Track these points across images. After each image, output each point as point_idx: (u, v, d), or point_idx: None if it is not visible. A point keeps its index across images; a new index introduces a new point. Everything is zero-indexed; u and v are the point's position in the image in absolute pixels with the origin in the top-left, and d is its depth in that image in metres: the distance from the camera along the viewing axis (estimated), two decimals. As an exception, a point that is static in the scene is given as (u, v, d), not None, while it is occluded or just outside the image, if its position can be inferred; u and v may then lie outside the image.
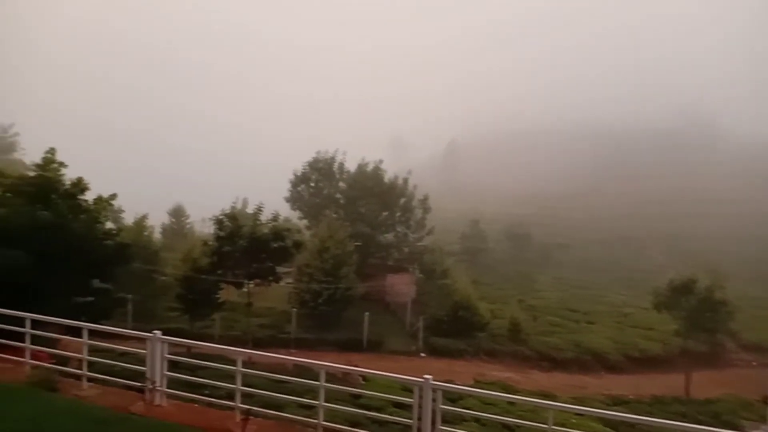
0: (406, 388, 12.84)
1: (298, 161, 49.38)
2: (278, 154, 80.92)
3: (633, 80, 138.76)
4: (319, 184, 48.74)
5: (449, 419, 10.49)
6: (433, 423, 8.06)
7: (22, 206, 17.95)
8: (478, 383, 25.54)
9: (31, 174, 19.83)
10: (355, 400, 16.31)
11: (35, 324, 10.70)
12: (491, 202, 78.79)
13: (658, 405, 25.99)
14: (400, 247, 45.38)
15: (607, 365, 33.34)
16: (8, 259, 16.59)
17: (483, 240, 58.07)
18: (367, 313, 32.97)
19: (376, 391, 11.50)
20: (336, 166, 48.69)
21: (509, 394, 18.62)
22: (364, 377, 20.79)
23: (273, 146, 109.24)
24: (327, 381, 8.86)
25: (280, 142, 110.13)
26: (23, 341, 10.54)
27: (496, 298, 43.32)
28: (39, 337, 11.05)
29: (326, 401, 8.80)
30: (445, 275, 39.95)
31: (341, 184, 48.27)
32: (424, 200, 46.07)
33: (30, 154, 44.08)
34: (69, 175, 20.15)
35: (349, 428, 8.95)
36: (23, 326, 10.45)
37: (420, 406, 8.12)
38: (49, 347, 11.72)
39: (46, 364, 10.65)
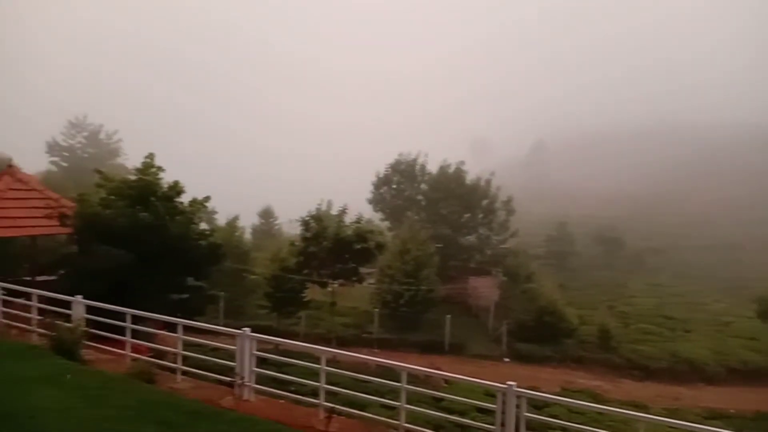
0: (490, 393, 12.61)
1: (380, 163, 49.91)
2: (361, 156, 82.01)
3: (726, 76, 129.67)
4: (400, 185, 48.94)
5: (534, 426, 10.20)
6: (517, 430, 7.86)
7: (125, 208, 19.12)
8: (564, 391, 24.70)
9: (132, 178, 21.11)
10: (437, 402, 16.23)
11: (135, 319, 11.41)
12: (579, 203, 75.98)
13: (763, 421, 24.04)
14: (482, 250, 44.68)
15: (705, 376, 31.24)
16: (113, 258, 17.78)
17: (570, 243, 56.10)
18: (448, 316, 32.73)
19: (458, 395, 11.33)
20: (418, 167, 48.71)
21: (598, 403, 17.88)
22: (446, 380, 20.68)
23: (357, 148, 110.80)
24: (409, 382, 8.86)
25: (364, 144, 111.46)
26: (124, 335, 11.25)
27: (584, 303, 41.67)
28: (138, 331, 11.78)
29: (408, 403, 8.78)
30: (530, 279, 38.93)
31: (423, 185, 48.21)
32: (508, 202, 45.16)
33: (132, 159, 47.22)
34: (166, 178, 21.33)
35: (431, 431, 8.88)
36: (124, 321, 11.16)
37: (503, 412, 7.95)
38: (147, 341, 12.46)
39: (144, 357, 11.32)
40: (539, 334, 32.99)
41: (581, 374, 30.49)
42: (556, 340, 33.16)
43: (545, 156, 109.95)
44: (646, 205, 76.46)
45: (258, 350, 10.28)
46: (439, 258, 38.01)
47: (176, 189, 21.03)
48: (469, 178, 45.99)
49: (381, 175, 49.30)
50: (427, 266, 35.26)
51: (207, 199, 22.19)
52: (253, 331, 10.12)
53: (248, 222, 51.37)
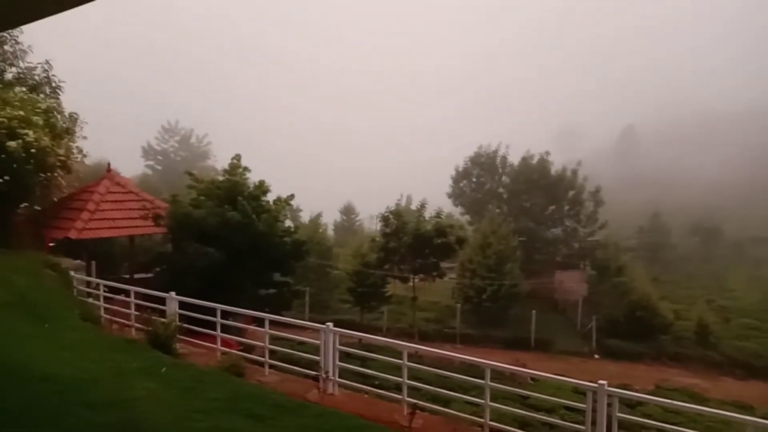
0: (579, 391, 12.15)
1: (460, 157, 49.43)
2: (441, 150, 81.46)
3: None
4: (480, 179, 48.30)
5: (627, 426, 9.74)
6: (609, 429, 7.50)
7: (214, 208, 19.94)
8: (659, 389, 23.47)
9: (221, 178, 22.01)
10: (523, 400, 15.85)
11: (225, 314, 11.85)
12: (674, 192, 72.00)
13: None
14: (569, 243, 43.41)
15: (817, 377, 28.75)
16: (204, 256, 18.62)
17: (665, 234, 53.28)
18: (534, 311, 31.95)
19: (546, 393, 11.00)
20: (498, 160, 47.84)
21: (696, 403, 16.86)
22: (533, 377, 20.13)
23: (436, 142, 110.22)
24: (494, 379, 8.66)
25: (442, 137, 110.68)
26: (215, 329, 11.70)
27: (680, 297, 39.54)
28: (228, 325, 12.24)
29: (493, 400, 8.58)
30: (621, 272, 37.29)
31: (504, 178, 47.34)
32: (596, 192, 43.56)
33: (221, 160, 49.33)
34: (252, 178, 22.11)
35: (517, 430, 8.63)
36: (215, 316, 11.61)
37: (594, 411, 7.62)
38: (237, 335, 12.90)
39: (234, 351, 11.73)
40: (631, 329, 31.65)
41: (677, 372, 28.96)
42: (650, 336, 31.68)
43: (636, 143, 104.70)
44: (745, 192, 71.31)
45: (341, 344, 10.40)
46: (523, 252, 37.23)
47: (262, 188, 21.73)
48: (554, 168, 44.77)
49: (460, 169, 48.82)
50: (509, 260, 34.62)
51: (291, 197, 22.79)
52: (336, 326, 10.24)
53: (330, 219, 52.50)
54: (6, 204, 16.33)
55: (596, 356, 30.99)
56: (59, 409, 7.21)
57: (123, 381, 8.69)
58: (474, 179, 48.50)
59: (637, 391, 16.70)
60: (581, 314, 34.71)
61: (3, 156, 15.55)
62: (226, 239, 19.21)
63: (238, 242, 19.40)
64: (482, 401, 8.49)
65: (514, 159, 46.97)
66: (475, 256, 34.58)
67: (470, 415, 9.12)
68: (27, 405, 7.23)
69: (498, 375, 16.25)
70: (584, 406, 7.73)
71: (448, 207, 44.17)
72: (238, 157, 22.22)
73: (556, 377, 10.31)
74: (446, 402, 11.13)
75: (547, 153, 45.48)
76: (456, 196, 48.90)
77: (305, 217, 44.60)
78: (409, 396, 9.15)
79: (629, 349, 30.78)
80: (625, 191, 69.88)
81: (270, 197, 22.07)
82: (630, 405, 15.97)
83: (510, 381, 17.59)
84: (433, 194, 38.43)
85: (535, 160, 45.25)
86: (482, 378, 8.53)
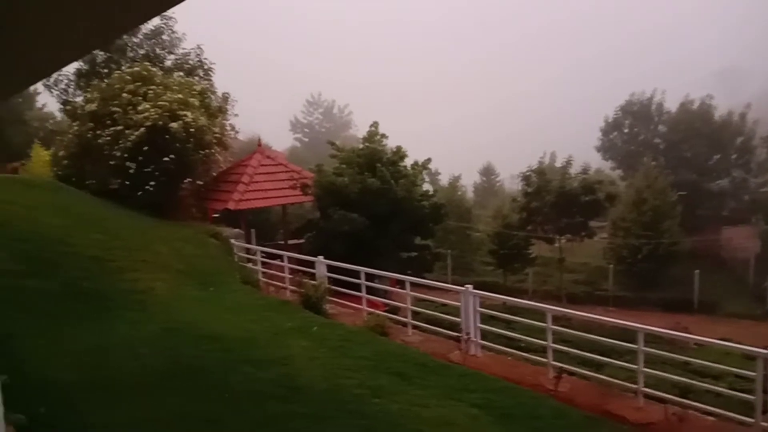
0: (750, 357, 10.99)
1: (609, 107, 46.12)
2: (588, 102, 76.69)
3: None
4: (633, 129, 44.79)
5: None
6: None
7: (355, 175, 20.63)
8: None
9: (360, 147, 22.64)
10: (686, 366, 14.70)
11: (369, 276, 12.28)
12: None
13: None
14: (737, 195, 39.16)
15: None
16: (348, 221, 19.38)
17: None
18: (697, 271, 29.32)
19: (710, 359, 10.07)
20: (654, 107, 43.99)
21: None
22: (697, 342, 18.62)
23: (580, 93, 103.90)
24: (652, 344, 8.10)
25: (588, 87, 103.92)
26: (361, 291, 12.17)
27: None
28: (373, 287, 12.68)
29: (653, 366, 8.05)
30: (802, 226, 32.98)
31: (660, 127, 43.51)
32: (769, 137, 38.63)
33: (362, 129, 50.69)
34: (389, 144, 22.50)
35: (673, 397, 8.01)
36: (360, 278, 12.07)
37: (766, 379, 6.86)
38: (382, 297, 13.31)
39: (379, 312, 12.13)
40: (817, 290, 27.96)
41: None
42: (841, 297, 27.80)
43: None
44: None
45: (485, 307, 10.29)
46: (684, 207, 34.15)
47: (399, 154, 22.08)
48: (718, 113, 40.33)
49: (610, 120, 45.64)
50: (668, 217, 31.96)
51: (427, 161, 22.88)
52: (479, 288, 10.18)
53: (470, 180, 51.95)
54: (172, 180, 18.06)
55: (773, 319, 27.88)
56: (226, 366, 7.93)
57: (279, 339, 9.36)
58: (626, 130, 45.12)
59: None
60: (753, 273, 31.30)
61: (167, 137, 17.20)
62: (367, 205, 19.80)
63: (379, 207, 19.92)
64: (635, 367, 7.99)
65: (672, 105, 42.97)
66: (629, 213, 32.37)
67: (624, 380, 8.63)
68: (198, 361, 8.03)
69: (656, 339, 15.19)
70: (754, 373, 6.97)
71: (596, 162, 41.75)
72: (375, 124, 22.70)
73: (720, 342, 9.43)
74: (598, 367, 10.64)
75: (710, 97, 41.03)
76: (605, 149, 45.90)
77: (444, 180, 44.59)
78: (557, 360, 8.87)
79: (814, 311, 27.30)
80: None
81: (407, 162, 22.32)
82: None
83: (671, 346, 16.39)
84: (580, 149, 36.48)
85: (695, 106, 41.06)
86: (636, 342, 8.01)
